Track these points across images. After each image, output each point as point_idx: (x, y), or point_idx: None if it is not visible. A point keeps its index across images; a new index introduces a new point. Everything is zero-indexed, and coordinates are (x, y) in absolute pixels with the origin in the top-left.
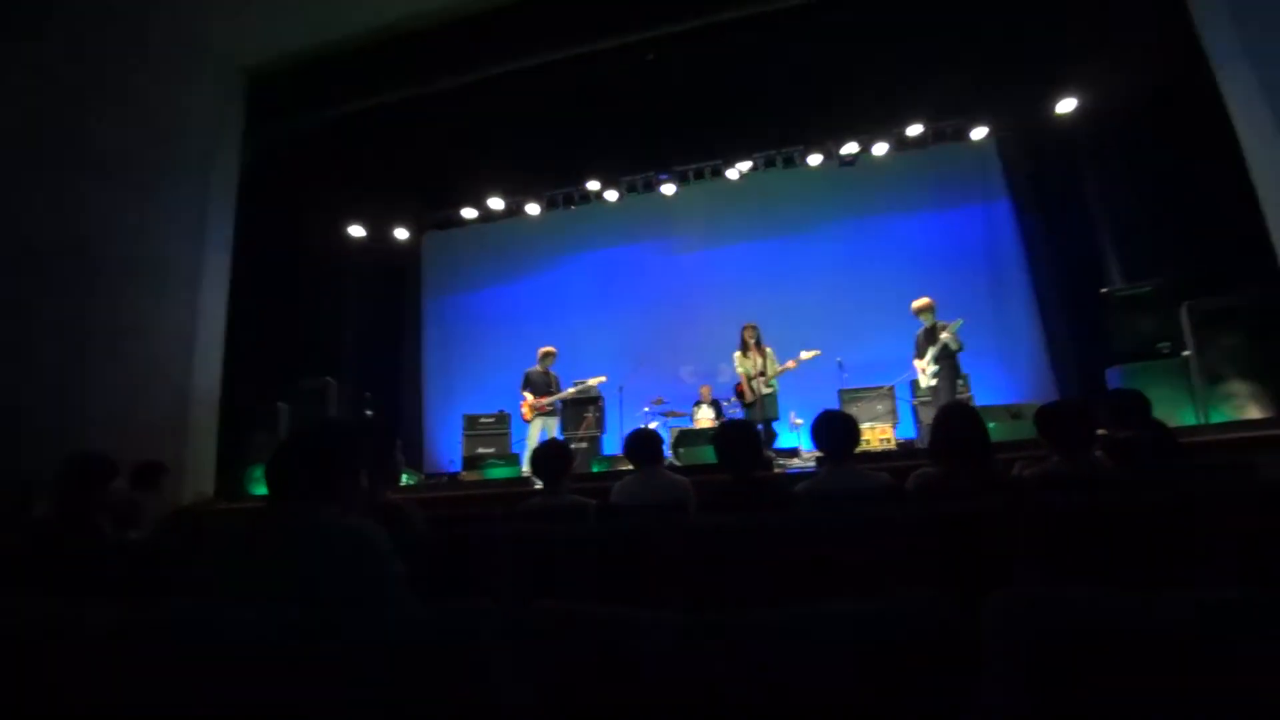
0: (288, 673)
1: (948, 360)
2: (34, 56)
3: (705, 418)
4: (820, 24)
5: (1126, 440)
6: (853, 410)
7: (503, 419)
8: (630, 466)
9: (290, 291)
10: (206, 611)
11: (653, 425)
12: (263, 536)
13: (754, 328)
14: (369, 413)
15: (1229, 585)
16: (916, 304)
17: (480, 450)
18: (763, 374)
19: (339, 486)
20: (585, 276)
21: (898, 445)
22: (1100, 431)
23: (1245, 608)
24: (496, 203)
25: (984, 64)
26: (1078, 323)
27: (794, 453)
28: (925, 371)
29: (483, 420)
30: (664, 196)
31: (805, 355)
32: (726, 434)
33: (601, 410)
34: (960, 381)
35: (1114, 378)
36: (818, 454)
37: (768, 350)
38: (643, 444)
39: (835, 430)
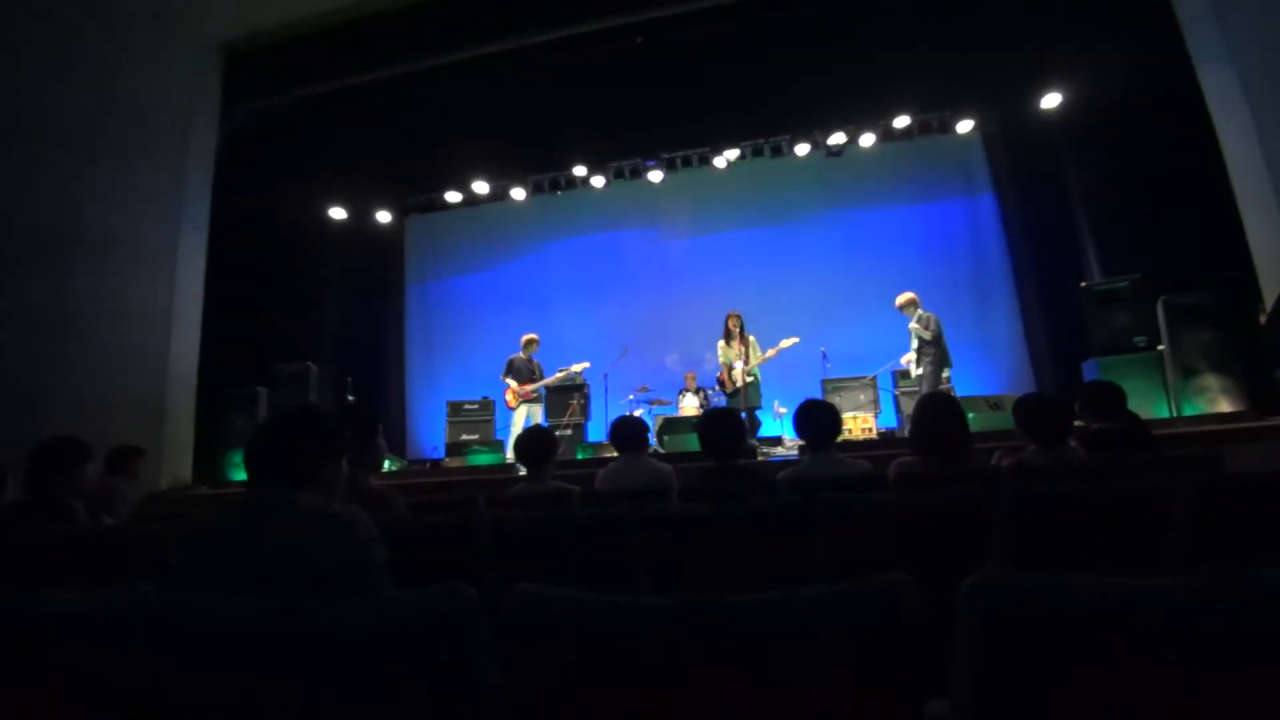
0: (266, 660)
1: (932, 350)
2: (5, 32)
3: (690, 405)
4: (810, 13)
5: (1100, 431)
6: (835, 399)
7: (487, 405)
8: (615, 453)
9: (270, 273)
10: (181, 598)
11: (638, 413)
12: (241, 522)
13: (738, 316)
14: (350, 398)
15: (1192, 571)
16: (900, 299)
17: (464, 436)
18: (745, 362)
19: (319, 472)
20: (571, 263)
21: (879, 434)
22: (1077, 423)
23: (1195, 594)
24: (481, 186)
25: (971, 57)
26: (1057, 316)
27: (778, 441)
28: (912, 362)
29: (467, 407)
30: (651, 183)
31: (785, 343)
32: (710, 422)
33: (586, 397)
34: (946, 373)
35: (1091, 370)
36: (800, 442)
37: (750, 339)
38: (628, 431)
39: (817, 419)
